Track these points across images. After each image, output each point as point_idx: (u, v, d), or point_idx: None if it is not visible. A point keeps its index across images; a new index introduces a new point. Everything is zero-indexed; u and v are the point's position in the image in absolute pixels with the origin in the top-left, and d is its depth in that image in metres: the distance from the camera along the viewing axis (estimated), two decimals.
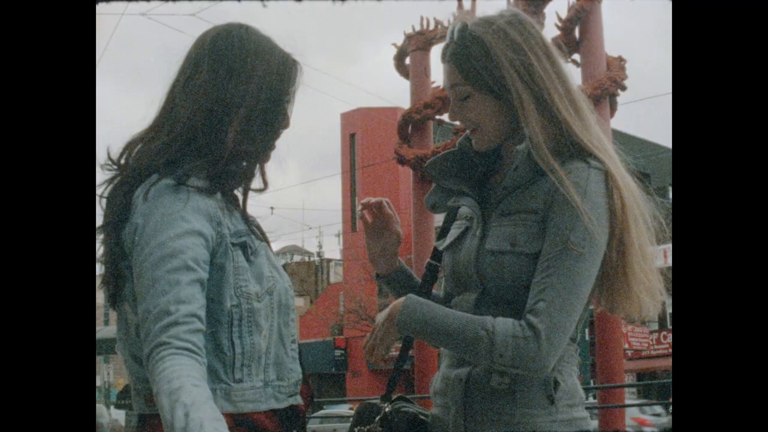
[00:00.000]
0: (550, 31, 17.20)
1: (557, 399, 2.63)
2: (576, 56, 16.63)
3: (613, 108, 16.16)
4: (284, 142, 2.70)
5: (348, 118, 44.66)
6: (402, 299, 2.64)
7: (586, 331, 27.47)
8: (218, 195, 2.48)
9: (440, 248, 2.94)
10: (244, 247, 2.49)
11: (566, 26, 16.43)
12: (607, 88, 15.77)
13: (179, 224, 2.36)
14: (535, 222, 2.62)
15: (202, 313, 2.33)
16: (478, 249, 2.71)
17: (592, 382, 24.59)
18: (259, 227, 2.67)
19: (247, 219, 2.59)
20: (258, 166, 2.63)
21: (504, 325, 2.51)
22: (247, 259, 2.49)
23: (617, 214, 2.61)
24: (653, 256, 2.73)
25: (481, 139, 2.78)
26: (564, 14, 16.52)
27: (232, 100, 2.52)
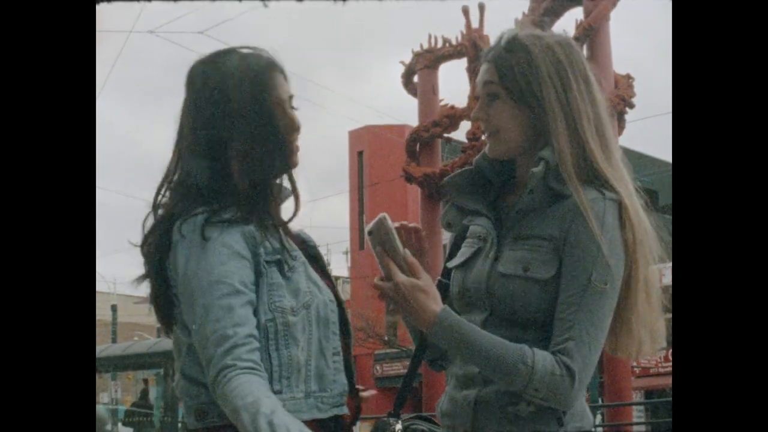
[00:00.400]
0: None
1: (566, 422, 2.62)
2: None
3: (621, 126, 16.18)
4: None
5: (356, 136, 44.56)
6: (436, 310, 2.57)
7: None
8: (255, 216, 2.59)
9: (450, 266, 2.90)
10: (279, 264, 2.57)
11: None
12: (615, 106, 15.79)
13: (221, 250, 2.48)
14: (549, 249, 2.61)
15: (256, 333, 2.46)
16: (490, 271, 2.69)
17: (600, 400, 24.50)
18: (306, 242, 2.83)
19: (284, 236, 2.66)
20: (288, 178, 2.76)
21: (543, 361, 2.48)
22: (284, 276, 2.57)
23: (629, 249, 2.62)
24: (659, 299, 2.75)
25: (497, 144, 2.76)
26: (572, 32, 16.55)
27: (220, 135, 2.61)
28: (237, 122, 2.60)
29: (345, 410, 2.64)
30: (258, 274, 2.53)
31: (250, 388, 2.32)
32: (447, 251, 3.00)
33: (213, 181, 2.60)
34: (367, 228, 2.63)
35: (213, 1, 2.50)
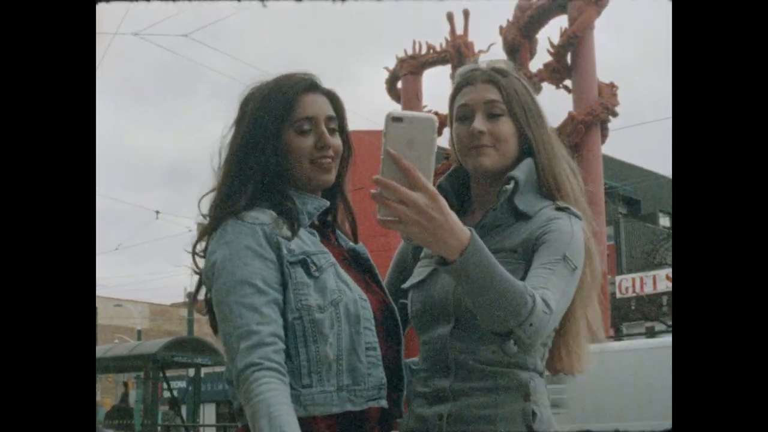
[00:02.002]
0: (542, 56, 17.32)
1: (536, 429, 2.70)
2: (568, 82, 16.70)
3: (604, 134, 16.23)
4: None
5: None
6: (466, 230, 2.38)
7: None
8: (280, 221, 2.72)
9: (407, 286, 3.00)
10: (304, 264, 2.67)
11: (558, 52, 16.52)
12: (598, 115, 15.85)
13: (245, 252, 2.63)
14: (515, 260, 2.71)
15: (281, 332, 2.58)
16: (456, 284, 2.72)
17: None
18: (359, 255, 2.94)
19: (315, 240, 2.77)
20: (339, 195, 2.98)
21: (539, 298, 2.50)
22: (310, 275, 2.66)
23: (587, 258, 2.77)
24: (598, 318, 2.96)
25: (495, 155, 2.85)
26: (556, 40, 16.60)
27: (247, 153, 2.80)
28: (257, 142, 2.78)
29: (383, 403, 2.69)
30: (283, 274, 2.64)
31: (277, 398, 2.46)
32: (387, 275, 3.14)
33: (250, 192, 2.77)
34: (395, 112, 2.32)
35: (205, 0, 2.46)
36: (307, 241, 2.73)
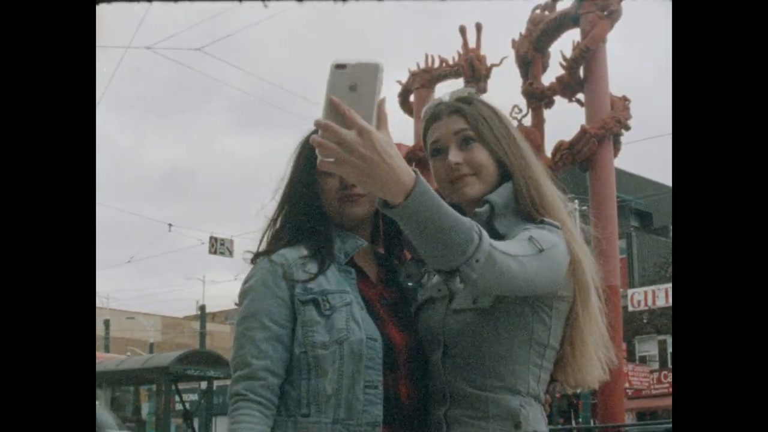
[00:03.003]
0: (555, 70, 17.29)
1: (524, 427, 2.75)
2: (580, 95, 16.67)
3: (616, 148, 16.16)
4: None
5: None
6: (411, 172, 2.29)
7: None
8: (309, 260, 2.95)
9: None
10: (315, 303, 2.88)
11: (571, 66, 16.48)
12: (611, 128, 15.79)
13: (260, 288, 2.90)
14: None
15: (276, 367, 2.85)
16: (447, 310, 2.87)
17: (592, 422, 24.49)
18: (404, 292, 3.10)
19: (341, 279, 2.95)
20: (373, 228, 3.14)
21: (485, 234, 2.49)
22: (321, 314, 2.86)
23: (573, 262, 2.81)
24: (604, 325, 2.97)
25: (477, 183, 2.89)
26: (569, 53, 16.57)
27: (289, 187, 3.12)
28: (299, 185, 3.08)
29: None
30: (294, 311, 2.89)
31: (250, 426, 2.76)
32: None
33: (294, 231, 3.04)
34: (338, 60, 2.26)
35: (208, 0, 2.47)
36: (331, 280, 2.92)
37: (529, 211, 2.85)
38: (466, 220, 2.42)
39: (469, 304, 2.81)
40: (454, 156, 2.88)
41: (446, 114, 2.94)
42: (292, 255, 2.95)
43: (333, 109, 2.19)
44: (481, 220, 2.72)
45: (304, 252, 2.96)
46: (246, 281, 2.99)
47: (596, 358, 2.91)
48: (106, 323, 50.74)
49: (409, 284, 3.10)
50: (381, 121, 2.25)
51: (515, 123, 16.99)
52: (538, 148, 16.84)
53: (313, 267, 2.93)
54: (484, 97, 3.06)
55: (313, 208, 3.03)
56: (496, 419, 2.76)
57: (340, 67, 2.24)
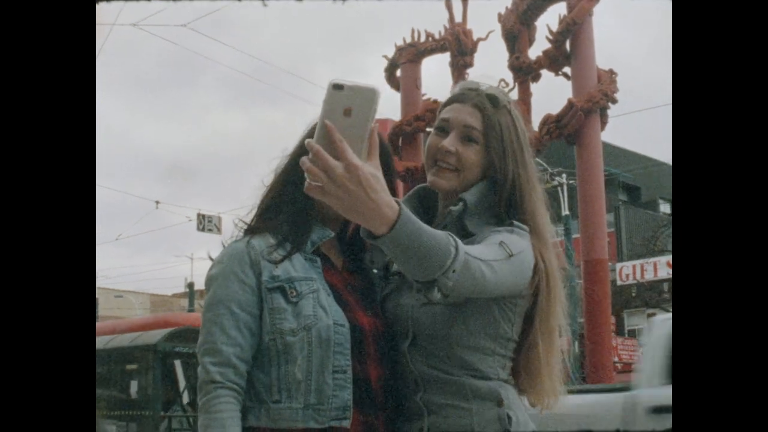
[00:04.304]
0: (541, 44, 17.30)
1: (513, 430, 2.78)
2: (567, 69, 16.69)
3: (603, 121, 16.23)
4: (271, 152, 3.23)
5: None
6: (395, 204, 2.31)
7: (576, 344, 27.54)
8: (276, 247, 2.96)
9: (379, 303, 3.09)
10: (282, 290, 2.89)
11: (557, 39, 16.51)
12: (597, 101, 15.84)
13: (228, 276, 2.91)
14: None
15: (246, 354, 2.86)
16: (414, 300, 2.86)
17: None
18: (371, 281, 3.13)
19: (309, 266, 2.98)
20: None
21: (460, 243, 2.51)
22: (288, 301, 2.88)
23: (538, 263, 2.83)
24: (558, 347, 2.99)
25: (455, 180, 2.92)
26: (555, 27, 16.58)
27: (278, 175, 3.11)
28: (292, 175, 3.00)
29: (346, 423, 2.83)
30: (261, 299, 2.89)
31: (232, 421, 2.79)
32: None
33: (277, 219, 3.05)
34: (337, 80, 2.25)
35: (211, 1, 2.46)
36: (298, 268, 2.95)
37: (495, 210, 2.92)
38: (443, 235, 2.45)
39: (439, 296, 2.73)
40: (451, 143, 2.91)
41: (471, 104, 2.95)
42: (262, 242, 2.97)
43: (326, 132, 2.19)
44: (453, 216, 2.85)
45: (272, 241, 2.97)
46: (212, 267, 3.01)
47: (553, 377, 2.95)
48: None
49: (374, 270, 3.14)
50: (371, 149, 2.26)
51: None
52: (525, 121, 16.83)
53: (279, 255, 2.95)
54: (476, 75, 3.06)
55: (300, 201, 2.99)
56: (478, 400, 2.81)
57: (337, 87, 2.23)
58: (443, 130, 2.96)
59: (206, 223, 37.40)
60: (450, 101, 3.00)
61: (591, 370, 15.66)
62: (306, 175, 2.20)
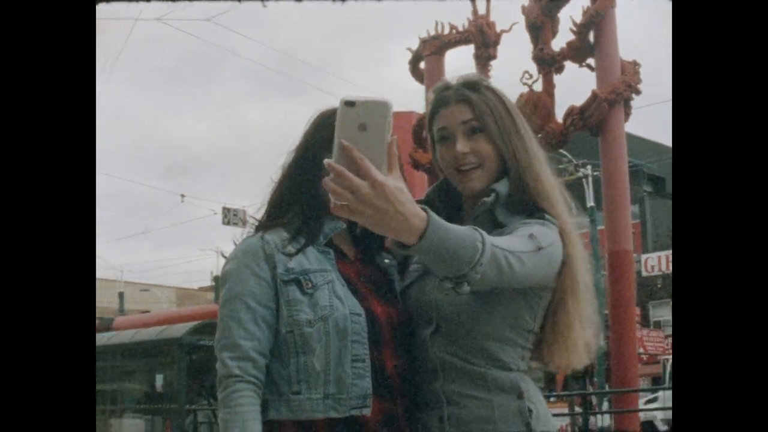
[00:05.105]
0: (564, 35, 17.24)
1: (534, 426, 2.80)
2: (591, 60, 16.62)
3: (627, 112, 16.14)
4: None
5: None
6: (423, 213, 2.34)
7: (601, 335, 27.46)
8: (290, 241, 3.01)
9: (399, 291, 3.10)
10: (297, 282, 2.94)
11: (581, 30, 16.43)
12: (621, 93, 15.76)
13: (243, 270, 2.96)
14: None
15: (264, 348, 2.91)
16: (438, 288, 2.82)
17: (606, 387, 24.53)
18: (385, 271, 3.16)
19: (322, 258, 3.02)
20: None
21: (486, 236, 2.55)
22: (304, 293, 2.92)
23: (566, 257, 2.87)
24: (592, 311, 3.02)
25: (482, 176, 2.97)
26: (579, 18, 16.50)
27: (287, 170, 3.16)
28: (303, 169, 3.08)
29: (366, 412, 2.86)
30: (277, 291, 2.94)
31: (253, 415, 2.82)
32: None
33: (288, 213, 3.10)
34: (347, 97, 2.25)
35: (212, 1, 2.46)
36: (312, 260, 3.00)
37: (526, 201, 2.93)
38: (469, 231, 2.50)
39: None
40: (462, 146, 2.95)
41: (454, 102, 2.99)
42: (276, 237, 3.01)
43: (345, 151, 2.20)
44: (485, 207, 2.91)
45: (285, 235, 3.02)
46: (227, 263, 3.04)
47: (581, 342, 2.98)
48: (121, 296, 50.99)
49: (386, 260, 3.17)
50: (391, 162, 2.27)
51: (526, 89, 17.03)
52: (549, 113, 16.84)
53: (293, 248, 2.99)
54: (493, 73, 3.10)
55: (310, 194, 3.05)
56: (498, 391, 2.83)
57: (349, 104, 2.24)
58: (447, 139, 3.00)
59: (231, 217, 37.55)
60: (434, 110, 3.04)
61: (615, 361, 15.61)
62: (330, 195, 2.20)
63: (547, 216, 2.87)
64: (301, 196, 3.08)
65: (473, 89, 2.99)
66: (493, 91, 3.02)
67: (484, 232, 2.53)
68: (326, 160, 2.21)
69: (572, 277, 2.90)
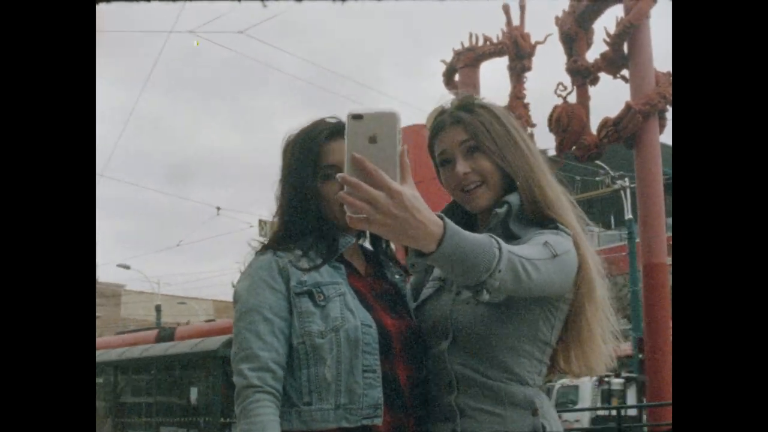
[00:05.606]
0: (599, 46, 17.20)
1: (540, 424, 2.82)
2: (625, 72, 16.58)
3: (662, 124, 16.08)
4: None
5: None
6: (439, 219, 2.36)
7: (636, 349, 27.35)
8: (302, 257, 3.07)
9: (414, 307, 3.16)
10: (310, 294, 2.99)
11: (615, 42, 16.38)
12: (655, 104, 15.71)
13: (258, 283, 3.01)
14: None
15: (282, 359, 2.93)
16: (454, 301, 2.94)
17: (643, 400, 24.43)
18: (396, 285, 3.22)
19: (334, 273, 3.07)
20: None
21: (503, 243, 2.55)
22: (316, 305, 2.97)
23: (581, 265, 2.88)
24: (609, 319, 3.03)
25: (486, 193, 3.01)
26: (612, 30, 16.47)
27: (282, 191, 3.22)
28: (297, 193, 3.13)
29: (377, 422, 2.89)
30: (290, 303, 2.98)
31: (269, 417, 2.84)
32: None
33: (287, 227, 3.17)
34: (354, 110, 2.25)
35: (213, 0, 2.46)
36: (324, 274, 3.04)
37: (535, 212, 2.95)
38: (485, 238, 2.50)
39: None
40: (462, 167, 3.01)
41: (449, 125, 3.07)
42: (286, 253, 3.07)
43: (356, 163, 2.20)
44: (498, 219, 2.92)
45: (298, 252, 3.07)
46: (240, 281, 3.09)
47: (603, 345, 3.00)
48: (158, 308, 51.27)
49: (397, 276, 3.23)
50: (404, 172, 2.26)
51: (560, 101, 17.01)
52: (584, 125, 16.81)
53: (306, 263, 3.05)
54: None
55: (312, 211, 3.12)
56: (512, 407, 2.83)
57: (357, 117, 2.24)
58: (448, 162, 3.05)
59: (267, 230, 37.66)
60: (433, 136, 3.11)
61: (651, 373, 15.54)
62: (346, 208, 2.19)
63: (560, 225, 2.89)
64: (307, 224, 3.13)
65: (466, 110, 3.06)
66: (487, 108, 3.08)
67: (500, 240, 2.54)
68: (339, 174, 2.20)
69: (588, 280, 2.90)
